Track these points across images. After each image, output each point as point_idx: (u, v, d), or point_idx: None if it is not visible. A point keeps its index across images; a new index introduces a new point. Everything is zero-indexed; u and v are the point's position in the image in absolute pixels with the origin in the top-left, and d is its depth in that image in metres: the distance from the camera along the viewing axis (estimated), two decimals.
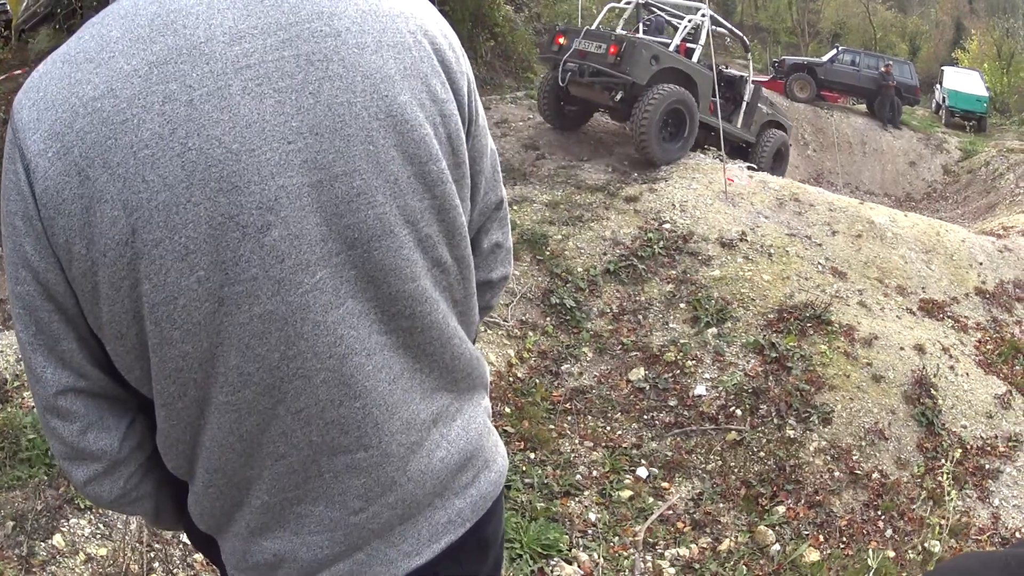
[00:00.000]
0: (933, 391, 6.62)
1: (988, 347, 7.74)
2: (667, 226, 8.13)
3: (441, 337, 1.22)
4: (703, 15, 10.96)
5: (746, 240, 8.08)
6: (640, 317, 6.98)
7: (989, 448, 6.38)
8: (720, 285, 7.36)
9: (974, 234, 10.97)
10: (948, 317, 8.06)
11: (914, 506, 5.74)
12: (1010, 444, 6.44)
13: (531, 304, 7.18)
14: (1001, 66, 37.42)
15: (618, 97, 9.97)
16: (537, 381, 6.30)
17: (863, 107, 25.49)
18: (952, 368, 7.05)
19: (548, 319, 7.09)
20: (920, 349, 7.10)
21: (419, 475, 1.22)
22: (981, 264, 9.37)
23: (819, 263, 8.13)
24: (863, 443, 6.07)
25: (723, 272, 7.53)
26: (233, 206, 1.01)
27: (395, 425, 1.17)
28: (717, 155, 10.33)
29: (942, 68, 32.02)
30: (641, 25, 11.69)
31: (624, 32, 11.06)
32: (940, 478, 5.79)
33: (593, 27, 11.22)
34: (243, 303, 1.03)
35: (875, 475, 5.93)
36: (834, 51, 26.60)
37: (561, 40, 10.67)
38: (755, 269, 7.67)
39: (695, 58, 10.74)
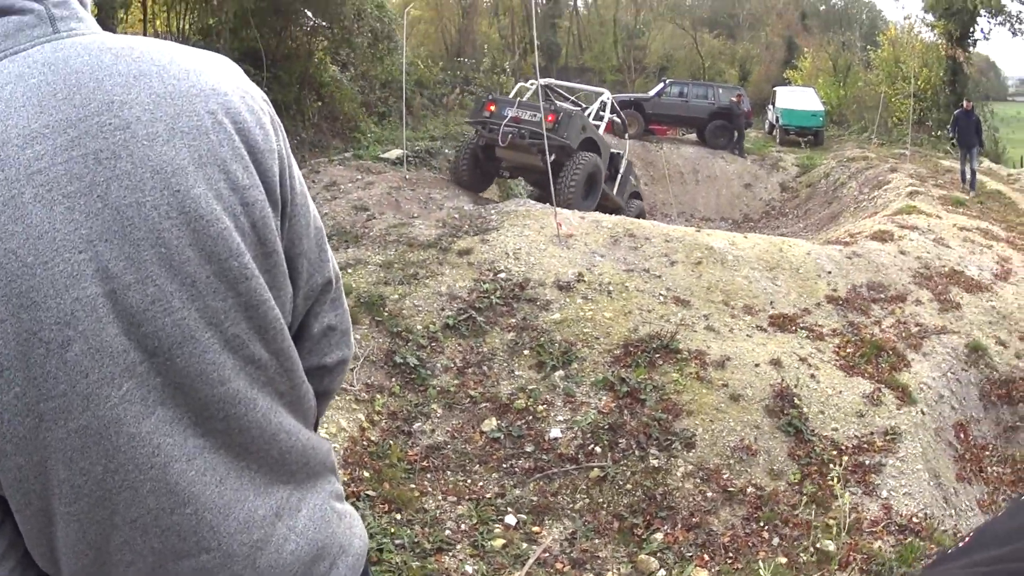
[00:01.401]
0: (796, 400, 7.28)
1: (848, 350, 8.54)
2: (502, 275, 8.62)
3: (263, 435, 1.25)
4: (607, 98, 14.86)
5: (583, 280, 8.66)
6: (485, 368, 7.37)
7: (866, 445, 7.05)
8: (562, 328, 7.85)
9: (819, 245, 12.08)
10: (801, 328, 8.85)
11: (797, 511, 6.29)
12: (888, 438, 7.14)
13: (375, 366, 7.46)
14: (837, 79, 40.24)
15: (551, 159, 11.48)
16: (391, 442, 6.56)
17: (693, 136, 27.38)
18: (813, 376, 7.77)
19: (394, 380, 7.39)
20: (777, 363, 7.78)
21: (271, 571, 1.26)
22: (830, 273, 10.34)
23: (660, 294, 8.80)
24: (731, 461, 6.61)
25: (563, 315, 8.04)
26: (34, 322, 1.04)
27: (232, 525, 1.21)
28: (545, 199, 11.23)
29: (774, 88, 34.25)
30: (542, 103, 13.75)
31: (558, 105, 13.80)
32: (821, 482, 6.43)
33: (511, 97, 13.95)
34: (59, 419, 1.06)
35: (750, 489, 6.47)
36: (661, 84, 28.33)
37: (492, 108, 12.87)
38: (595, 308, 8.23)
39: (600, 131, 13.73)
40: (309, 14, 16.37)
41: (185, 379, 1.14)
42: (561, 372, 7.28)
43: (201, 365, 1.14)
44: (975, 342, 9.02)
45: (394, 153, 14.37)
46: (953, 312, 9.78)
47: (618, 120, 16.41)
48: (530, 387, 7.07)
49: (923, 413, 7.59)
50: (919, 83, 29.99)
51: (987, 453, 7.92)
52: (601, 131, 13.91)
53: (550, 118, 12.04)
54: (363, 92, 18.30)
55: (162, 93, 1.15)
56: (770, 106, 32.52)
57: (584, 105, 15.43)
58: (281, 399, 1.29)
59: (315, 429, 1.47)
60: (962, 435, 7.85)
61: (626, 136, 16.83)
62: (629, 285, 8.79)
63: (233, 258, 1.16)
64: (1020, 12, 32.78)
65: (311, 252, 1.38)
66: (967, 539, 0.70)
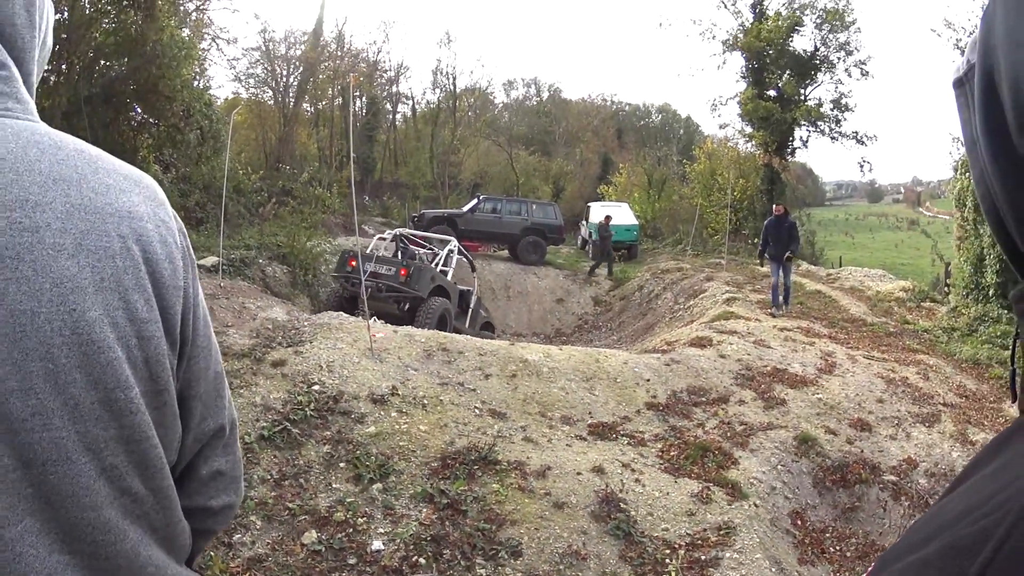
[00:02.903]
0: (623, 505, 7.59)
1: (672, 454, 9.01)
2: (316, 387, 8.73)
3: (131, 566, 1.29)
4: (453, 247, 18.07)
5: (397, 394, 8.87)
6: (302, 480, 7.38)
7: (700, 541, 7.37)
8: (378, 441, 7.99)
9: (636, 354, 12.75)
10: (622, 435, 9.32)
11: None
12: (722, 533, 7.50)
13: None
14: (652, 193, 42.56)
15: (406, 307, 15.43)
16: (212, 554, 6.47)
17: (506, 252, 28.58)
18: (638, 480, 8.13)
19: None
20: (599, 470, 8.13)
21: None
22: (648, 380, 10.96)
23: (476, 407, 9.14)
24: (561, 566, 6.80)
25: (379, 428, 8.19)
26: None
27: None
28: (360, 312, 11.58)
29: (587, 204, 36.01)
30: (398, 252, 17.85)
31: (409, 260, 16.81)
32: None
33: (368, 251, 16.93)
34: None
35: None
36: (475, 200, 29.53)
37: (353, 263, 15.42)
38: (411, 421, 8.43)
39: (449, 276, 17.04)
40: (139, 108, 16.90)
41: (56, 497, 1.18)
42: (379, 485, 7.38)
43: (74, 488, 1.19)
44: (804, 434, 9.69)
45: (209, 260, 14.76)
46: (779, 408, 10.50)
47: (467, 260, 19.49)
48: (348, 499, 7.13)
49: (756, 506, 8.07)
50: (736, 193, 32.05)
51: (827, 535, 8.44)
52: (449, 276, 17.24)
53: (403, 272, 15.52)
54: (183, 196, 18.75)
55: (77, 204, 1.21)
56: (583, 222, 34.34)
57: (433, 248, 18.51)
58: (155, 534, 1.34)
59: (191, 564, 1.55)
60: (799, 522, 8.36)
61: (473, 274, 19.89)
62: (444, 398, 9.08)
63: (120, 390, 1.23)
64: (838, 118, 35.88)
65: (207, 396, 1.48)
66: (869, 569, 0.77)
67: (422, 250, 18.77)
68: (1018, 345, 0.85)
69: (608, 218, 28.54)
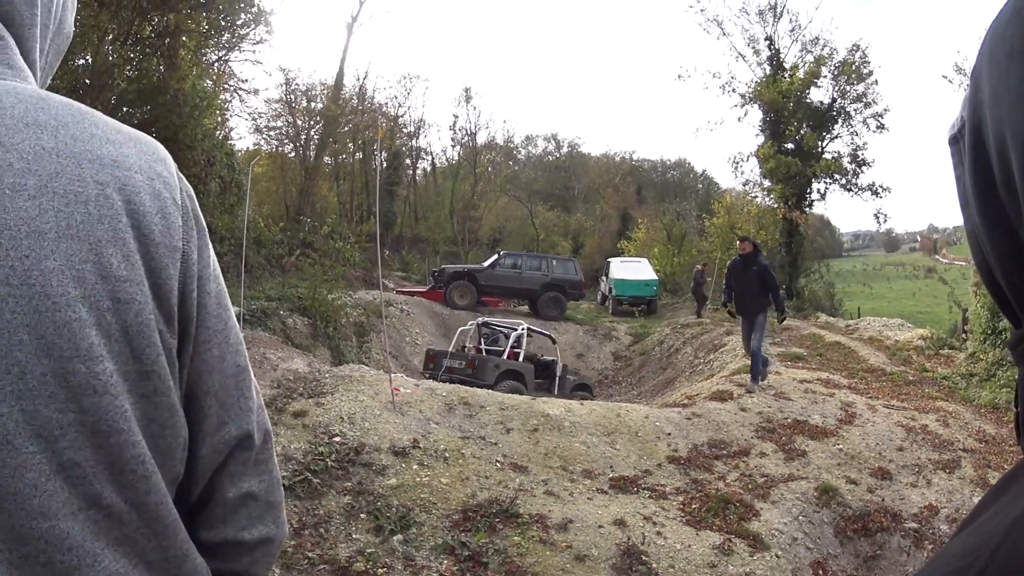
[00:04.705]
0: (644, 557, 7.60)
1: (694, 506, 9.02)
2: (337, 439, 8.81)
3: None
4: (522, 328, 19.17)
5: (419, 447, 8.93)
6: (322, 530, 7.42)
7: None
8: (399, 493, 8.05)
9: (657, 408, 12.79)
10: (644, 489, 9.33)
11: None
12: None
13: None
14: (672, 249, 42.76)
15: None
16: None
17: (526, 307, 28.81)
18: (659, 533, 8.14)
19: None
20: (621, 523, 8.14)
21: None
22: (669, 434, 10.98)
23: (497, 460, 9.19)
24: None
25: (400, 480, 8.25)
26: None
27: None
28: (382, 366, 11.71)
29: (607, 260, 36.29)
30: (481, 338, 19.94)
31: (476, 353, 18.78)
32: None
33: (451, 348, 18.78)
34: None
35: None
36: (495, 256, 29.78)
37: (433, 361, 17.70)
38: (432, 474, 8.49)
39: (520, 358, 18.41)
40: None
41: None
42: (400, 536, 7.43)
43: (17, 483, 0.98)
44: (825, 484, 9.67)
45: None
46: (799, 460, 10.49)
47: (545, 335, 20.81)
48: (368, 550, 7.17)
49: (777, 556, 8.07)
50: None
51: None
52: (521, 357, 18.53)
53: (470, 366, 16.82)
54: None
55: (49, 148, 1.06)
56: (603, 277, 34.61)
57: (515, 329, 19.69)
58: (148, 568, 1.11)
59: None
60: (821, 572, 8.33)
61: (555, 345, 20.61)
62: (465, 451, 9.13)
63: (81, 360, 1.02)
64: (854, 169, 36.01)
65: (225, 393, 1.26)
66: None
67: (505, 330, 20.00)
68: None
69: (704, 265, 30.01)
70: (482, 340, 20.08)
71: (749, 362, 14.13)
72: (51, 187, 1.03)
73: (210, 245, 1.27)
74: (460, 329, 20.70)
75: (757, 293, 13.02)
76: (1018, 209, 0.63)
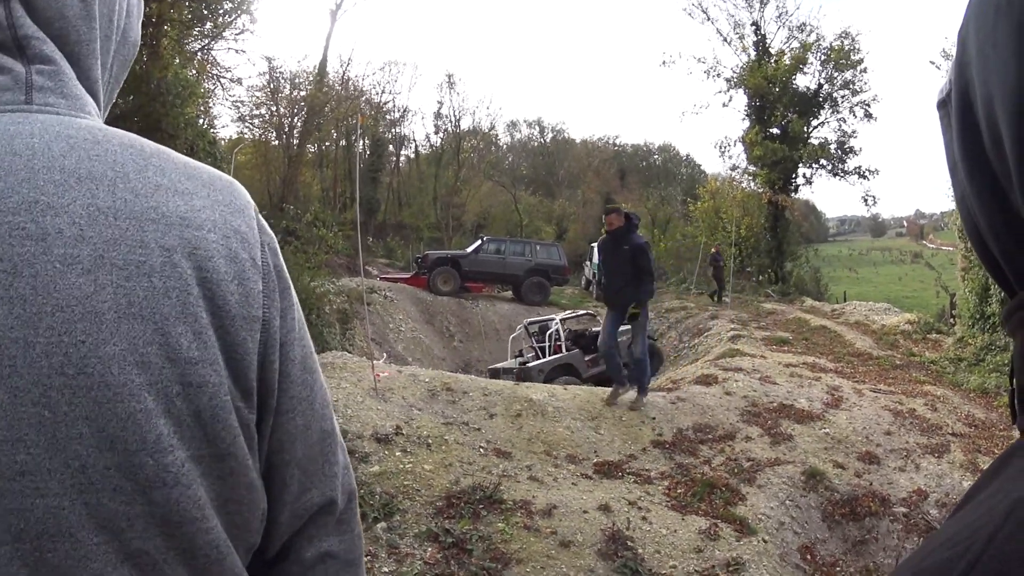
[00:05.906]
0: (629, 543, 7.54)
1: (679, 491, 8.98)
2: None
3: None
4: (556, 325, 19.56)
5: (402, 434, 8.86)
6: None
7: None
8: (382, 480, 7.97)
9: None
10: (628, 474, 9.28)
11: None
12: (731, 569, 7.45)
13: None
14: (656, 233, 42.82)
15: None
16: None
17: (509, 293, 28.75)
18: (645, 518, 8.09)
19: None
20: (605, 508, 8.08)
21: None
22: (654, 418, 10.91)
23: (480, 446, 9.12)
24: None
25: (383, 467, 8.17)
26: None
27: None
28: (365, 353, 11.65)
29: (591, 245, 36.21)
30: (532, 338, 20.53)
31: (522, 366, 19.09)
32: None
33: (508, 359, 20.42)
34: None
35: None
36: (479, 241, 29.75)
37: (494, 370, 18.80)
38: (415, 460, 8.41)
39: (564, 348, 19.06)
40: None
41: None
42: (383, 524, 7.36)
43: (81, 572, 0.90)
44: (812, 468, 9.63)
45: None
46: (785, 444, 10.45)
47: (584, 314, 21.69)
48: None
49: (764, 541, 8.03)
50: (740, 231, 32.24)
51: (838, 569, 8.39)
52: (563, 349, 19.21)
53: (518, 379, 16.26)
54: None
55: (105, 208, 0.94)
56: (587, 262, 34.52)
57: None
58: None
59: None
60: (809, 556, 8.30)
61: (593, 318, 21.39)
62: (448, 438, 9.06)
63: (148, 453, 0.93)
64: (842, 158, 36.13)
65: (308, 462, 1.17)
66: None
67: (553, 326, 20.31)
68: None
69: (719, 246, 29.43)
70: (534, 340, 20.56)
71: (636, 362, 11.11)
72: (108, 258, 0.92)
73: (296, 304, 1.18)
74: (511, 337, 21.54)
75: (629, 279, 10.55)
76: (1007, 171, 0.61)
